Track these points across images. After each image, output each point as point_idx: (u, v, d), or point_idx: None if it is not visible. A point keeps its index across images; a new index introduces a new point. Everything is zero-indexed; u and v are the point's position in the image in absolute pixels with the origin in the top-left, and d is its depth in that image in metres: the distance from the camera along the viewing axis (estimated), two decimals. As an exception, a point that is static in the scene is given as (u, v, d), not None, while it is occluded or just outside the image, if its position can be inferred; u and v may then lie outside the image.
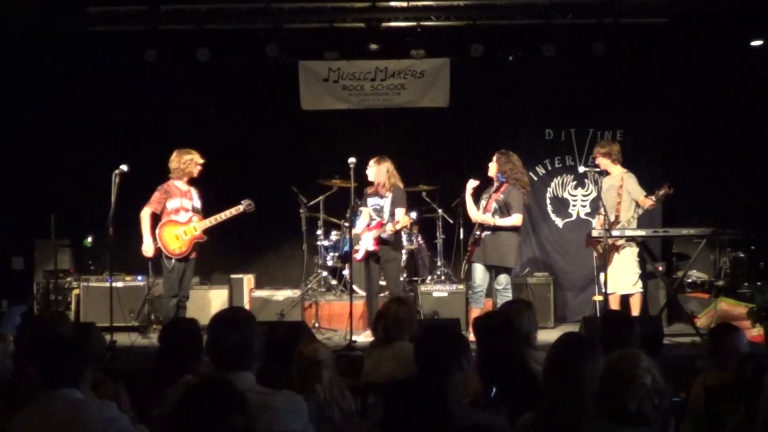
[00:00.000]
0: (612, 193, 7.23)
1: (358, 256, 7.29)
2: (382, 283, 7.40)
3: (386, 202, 7.16)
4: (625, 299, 7.21)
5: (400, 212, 7.09)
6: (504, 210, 6.90)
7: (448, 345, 3.06)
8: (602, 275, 7.07)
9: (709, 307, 7.61)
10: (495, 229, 6.91)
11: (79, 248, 8.55)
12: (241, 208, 6.96)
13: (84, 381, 3.01)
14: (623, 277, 7.13)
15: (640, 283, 7.17)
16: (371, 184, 7.30)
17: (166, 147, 7.15)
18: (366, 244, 7.20)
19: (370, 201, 7.28)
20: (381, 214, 7.17)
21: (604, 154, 7.33)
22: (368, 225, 7.29)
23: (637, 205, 7.09)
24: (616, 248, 7.12)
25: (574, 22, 8.45)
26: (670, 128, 8.66)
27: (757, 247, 8.15)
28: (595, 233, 6.94)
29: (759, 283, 7.13)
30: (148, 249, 6.85)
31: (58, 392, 2.86)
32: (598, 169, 7.33)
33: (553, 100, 8.73)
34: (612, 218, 7.15)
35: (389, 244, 7.15)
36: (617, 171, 7.29)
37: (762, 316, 6.54)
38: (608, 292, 7.10)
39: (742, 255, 8.07)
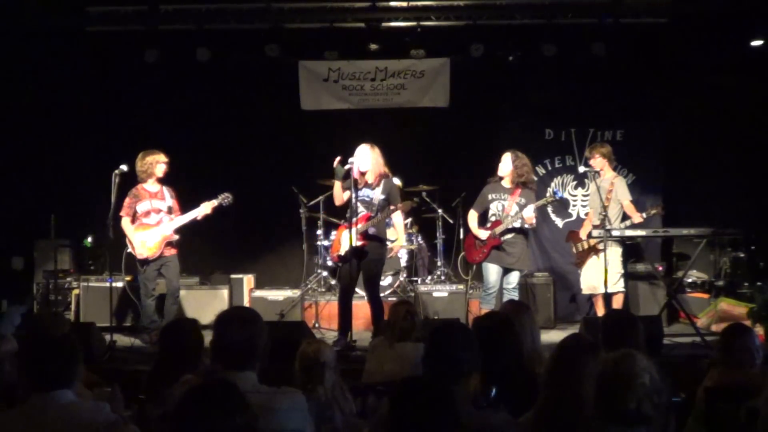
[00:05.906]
0: (600, 195, 7.18)
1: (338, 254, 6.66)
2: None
3: (376, 194, 6.48)
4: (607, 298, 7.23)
5: (397, 218, 6.67)
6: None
7: (465, 351, 2.95)
8: (590, 273, 7.23)
9: (709, 307, 7.61)
10: (513, 231, 6.86)
11: (79, 248, 8.53)
12: (215, 202, 6.90)
13: (76, 382, 2.91)
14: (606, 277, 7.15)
15: (621, 283, 7.16)
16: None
17: (166, 147, 7.14)
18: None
19: (359, 192, 6.46)
20: (370, 207, 6.48)
21: (603, 154, 7.33)
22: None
23: (626, 216, 7.09)
24: (596, 251, 7.12)
25: (574, 22, 8.46)
26: (670, 128, 8.66)
27: (757, 247, 8.15)
28: (595, 233, 6.91)
29: (759, 283, 7.14)
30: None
31: (50, 394, 2.76)
32: (596, 169, 7.31)
33: (553, 100, 8.73)
34: (598, 221, 7.14)
35: (379, 239, 6.52)
36: (609, 174, 7.31)
37: (762, 316, 6.54)
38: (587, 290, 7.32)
39: (742, 255, 8.07)
